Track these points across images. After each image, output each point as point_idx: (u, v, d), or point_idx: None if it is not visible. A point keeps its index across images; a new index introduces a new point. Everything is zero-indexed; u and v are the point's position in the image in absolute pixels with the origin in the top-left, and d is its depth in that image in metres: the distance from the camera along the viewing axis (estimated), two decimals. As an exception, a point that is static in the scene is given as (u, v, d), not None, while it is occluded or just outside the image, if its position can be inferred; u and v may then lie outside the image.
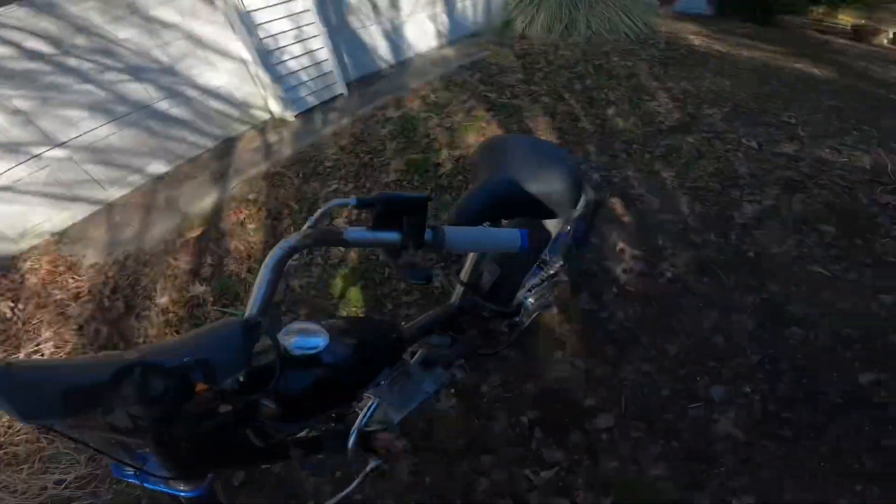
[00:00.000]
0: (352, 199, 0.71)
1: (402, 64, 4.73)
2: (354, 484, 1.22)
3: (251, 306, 0.64)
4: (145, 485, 0.70)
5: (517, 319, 1.46)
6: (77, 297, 2.20)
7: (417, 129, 3.20)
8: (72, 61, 2.58)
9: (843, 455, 1.44)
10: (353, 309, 1.96)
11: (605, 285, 2.01)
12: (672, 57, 4.75)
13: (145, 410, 0.50)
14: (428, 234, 0.73)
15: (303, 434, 0.99)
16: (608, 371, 1.69)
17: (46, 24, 2.45)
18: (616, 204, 2.47)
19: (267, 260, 0.65)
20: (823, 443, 1.48)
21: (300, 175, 2.82)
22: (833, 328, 1.79)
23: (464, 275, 1.22)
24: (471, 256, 1.22)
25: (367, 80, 4.32)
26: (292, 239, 0.66)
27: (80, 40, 2.59)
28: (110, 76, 2.73)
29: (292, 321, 0.75)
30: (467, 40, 5.48)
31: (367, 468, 1.18)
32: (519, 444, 1.53)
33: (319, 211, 0.71)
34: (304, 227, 0.69)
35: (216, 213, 2.59)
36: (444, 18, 5.19)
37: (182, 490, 0.69)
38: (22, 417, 0.47)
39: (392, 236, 0.71)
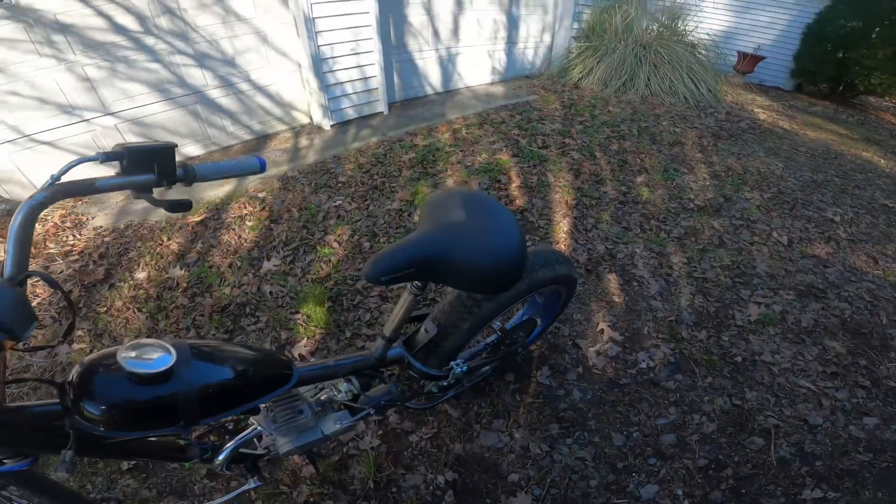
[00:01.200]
0: (98, 155, 0.71)
1: (449, 93, 4.83)
2: (227, 497, 1.21)
3: (7, 266, 0.63)
4: None
5: (445, 384, 1.41)
6: (67, 254, 2.34)
7: (438, 161, 3.23)
8: (150, 40, 2.84)
9: None
10: (313, 326, 1.97)
11: (572, 363, 1.91)
12: (728, 129, 4.59)
13: None
14: (179, 172, 0.77)
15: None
16: (543, 450, 1.59)
17: (140, 1, 2.72)
18: (612, 281, 2.36)
19: (15, 216, 0.64)
20: None
21: (312, 184, 2.91)
22: (798, 443, 1.62)
23: (387, 330, 1.17)
24: (396, 312, 1.15)
25: (410, 103, 4.44)
26: (40, 194, 0.65)
27: (163, 21, 2.86)
28: (177, 58, 2.98)
29: (137, 339, 0.77)
30: (520, 81, 5.53)
31: (244, 487, 1.17)
32: (427, 503, 1.46)
33: (64, 167, 0.69)
34: (46, 182, 0.68)
35: (224, 203, 2.71)
36: (501, 56, 5.29)
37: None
38: None
39: (145, 178, 0.74)
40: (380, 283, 0.93)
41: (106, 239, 2.47)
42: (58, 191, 0.67)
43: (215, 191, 2.85)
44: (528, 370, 1.85)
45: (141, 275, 2.23)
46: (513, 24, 5.15)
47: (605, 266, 2.45)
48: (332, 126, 3.77)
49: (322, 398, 1.19)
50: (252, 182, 2.94)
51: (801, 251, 2.66)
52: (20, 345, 0.62)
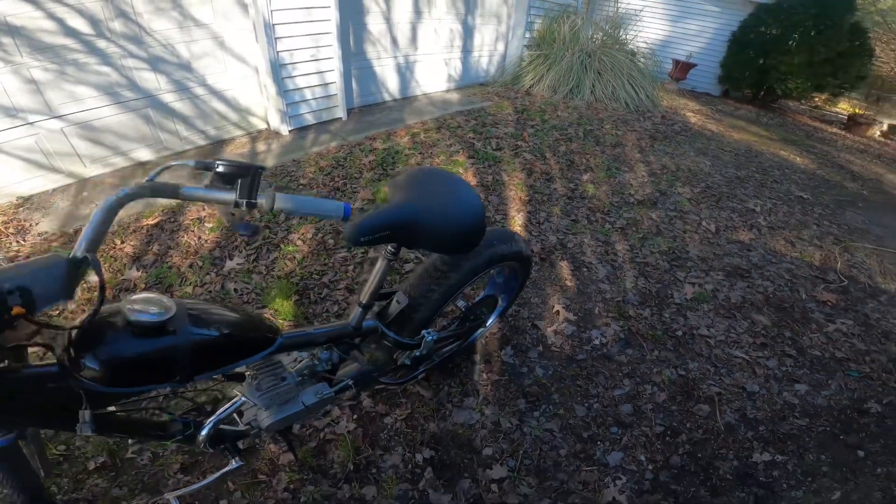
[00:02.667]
0: (191, 161, 0.78)
1: (407, 100, 4.94)
2: (207, 481, 1.21)
3: (79, 245, 0.68)
4: None
5: (417, 354, 1.49)
6: (12, 259, 2.24)
7: (398, 163, 3.32)
8: (101, 43, 2.75)
9: None
10: (281, 321, 1.99)
11: (532, 342, 2.05)
12: (663, 132, 4.96)
13: None
14: (259, 196, 0.81)
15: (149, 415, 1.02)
16: (513, 424, 1.70)
17: (93, 4, 2.64)
18: (564, 267, 2.53)
19: (102, 202, 0.70)
20: None
21: (272, 187, 2.91)
22: (740, 409, 1.83)
23: (363, 296, 1.24)
24: (371, 279, 1.23)
25: (369, 109, 4.51)
26: (128, 188, 0.71)
27: (117, 25, 2.78)
28: (130, 62, 2.90)
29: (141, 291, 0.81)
30: (475, 88, 5.73)
31: (226, 469, 1.18)
32: (407, 480, 1.53)
33: (160, 168, 0.77)
34: (144, 179, 0.74)
35: (181, 206, 2.67)
36: (457, 63, 5.45)
37: None
38: None
39: (227, 195, 0.78)
40: (359, 245, 1.01)
41: (54, 244, 2.37)
42: (145, 188, 0.72)
43: (170, 195, 2.80)
44: (492, 350, 1.97)
45: (93, 278, 2.16)
46: (468, 33, 5.34)
47: (558, 254, 2.63)
48: (290, 131, 3.77)
49: (303, 369, 1.24)
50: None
51: (728, 237, 2.97)
52: (34, 316, 0.63)
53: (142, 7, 2.84)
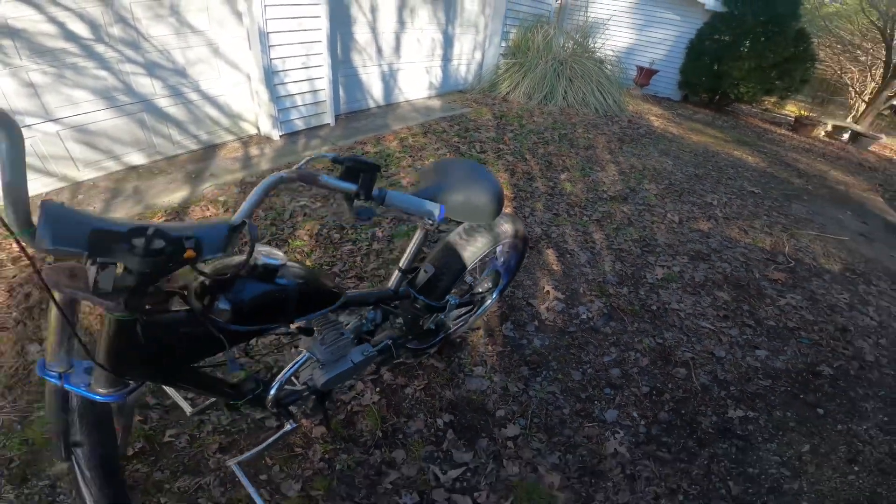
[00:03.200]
0: (329, 154, 0.98)
1: (390, 106, 5.13)
2: (266, 443, 1.36)
3: (239, 213, 0.83)
4: (66, 386, 0.85)
5: (442, 317, 1.70)
6: (15, 260, 2.31)
7: (390, 165, 3.52)
8: (100, 47, 2.83)
9: (711, 478, 1.69)
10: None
11: (529, 318, 2.29)
12: (630, 135, 5.35)
13: (145, 262, 0.68)
14: (375, 191, 0.99)
15: (235, 379, 1.18)
16: (520, 388, 1.93)
17: (93, 9, 2.72)
18: (550, 254, 2.80)
19: (262, 182, 0.85)
20: (695, 466, 1.72)
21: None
22: (711, 371, 2.11)
23: (403, 262, 1.46)
24: (410, 248, 1.45)
25: (355, 115, 4.68)
26: (283, 172, 0.87)
27: (116, 30, 2.86)
28: (127, 67, 2.97)
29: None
30: (455, 95, 5.98)
31: (282, 430, 1.35)
32: (431, 443, 1.72)
33: (306, 158, 0.96)
34: (294, 167, 0.91)
35: (182, 207, 2.77)
36: (437, 72, 5.68)
37: (98, 395, 0.86)
38: (52, 242, 0.61)
39: (351, 186, 0.96)
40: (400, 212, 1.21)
41: None
42: (294, 174, 0.88)
43: (170, 196, 2.89)
44: (494, 326, 2.20)
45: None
46: (448, 42, 5.60)
47: (544, 243, 2.89)
48: (280, 136, 3.89)
49: (351, 329, 1.42)
50: (207, 187, 3.02)
51: (690, 227, 3.32)
52: (197, 263, 0.77)
53: (141, 13, 2.93)
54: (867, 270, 3.22)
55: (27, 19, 2.55)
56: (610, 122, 5.67)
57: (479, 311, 2.05)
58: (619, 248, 2.96)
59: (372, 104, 4.94)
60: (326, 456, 1.64)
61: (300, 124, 4.01)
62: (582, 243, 2.96)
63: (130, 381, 0.90)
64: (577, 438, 1.77)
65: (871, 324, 2.64)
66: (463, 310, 1.92)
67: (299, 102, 3.89)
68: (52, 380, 0.84)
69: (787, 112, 10.57)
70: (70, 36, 2.71)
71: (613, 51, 7.79)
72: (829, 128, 8.76)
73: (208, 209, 2.77)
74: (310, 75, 3.84)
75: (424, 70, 5.44)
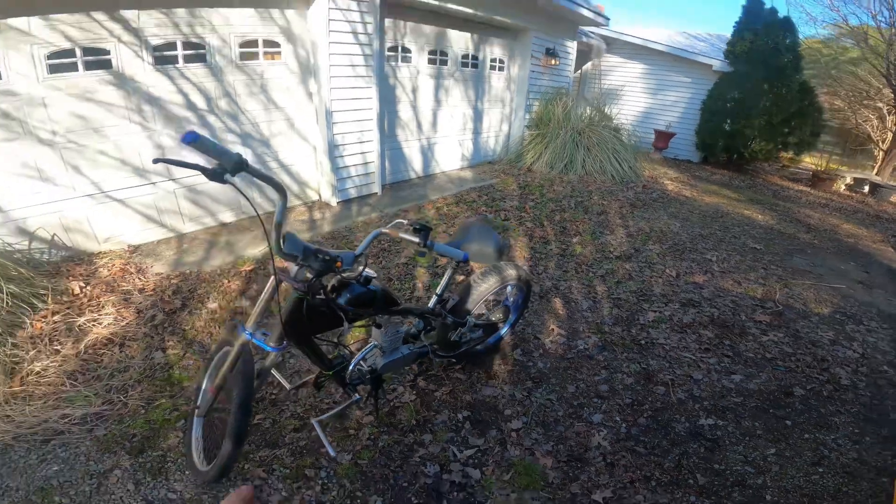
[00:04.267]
0: (404, 221, 1.70)
1: (429, 177, 5.99)
2: (339, 407, 2.00)
3: (359, 248, 1.56)
4: (253, 340, 1.52)
5: (463, 330, 2.29)
6: (141, 290, 3.07)
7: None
8: (211, 118, 3.75)
9: (682, 470, 2.06)
10: (357, 333, 2.79)
11: (535, 347, 2.82)
12: (642, 199, 5.92)
13: (319, 266, 1.37)
14: (428, 242, 1.68)
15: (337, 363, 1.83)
16: (524, 395, 2.43)
17: (209, 84, 3.67)
18: (557, 302, 3.35)
19: (372, 233, 1.63)
20: (667, 460, 2.12)
21: (334, 247, 3.81)
22: (688, 390, 2.54)
23: (438, 290, 2.14)
24: (444, 280, 2.13)
25: (398, 185, 5.54)
26: (381, 229, 1.66)
27: (223, 103, 3.80)
28: (228, 136, 3.88)
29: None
30: (485, 165, 6.80)
31: (350, 400, 1.97)
32: (452, 430, 2.22)
33: (394, 223, 1.73)
34: (387, 227, 1.66)
35: (265, 258, 3.53)
36: (469, 145, 6.55)
37: (269, 346, 1.53)
38: (288, 250, 1.36)
39: (415, 238, 1.66)
40: (436, 254, 1.87)
41: (173, 280, 3.20)
42: (387, 231, 1.67)
43: (253, 249, 3.68)
44: (507, 352, 2.74)
45: (213, 305, 2.98)
46: (478, 116, 6.50)
47: (552, 294, 3.45)
48: (337, 203, 4.74)
49: (403, 331, 2.06)
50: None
51: (686, 280, 3.79)
52: (342, 270, 1.47)
53: (241, 89, 3.88)
54: (859, 313, 3.54)
55: (163, 88, 3.47)
56: (625, 188, 6.27)
57: (494, 337, 2.62)
58: (618, 298, 3.47)
59: (413, 175, 5.81)
60: (372, 436, 2.16)
61: (353, 192, 4.86)
62: (585, 294, 3.50)
63: (284, 342, 1.57)
64: (568, 433, 2.24)
65: (853, 356, 2.95)
66: (480, 332, 2.50)
67: (353, 173, 4.75)
68: (247, 335, 1.51)
69: (807, 166, 10.30)
70: (191, 106, 3.62)
71: (630, 117, 8.16)
72: (850, 180, 8.60)
73: (283, 263, 3.53)
74: (362, 149, 4.72)
75: (458, 143, 6.33)
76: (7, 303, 2.56)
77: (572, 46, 7.92)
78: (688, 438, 2.25)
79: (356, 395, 1.97)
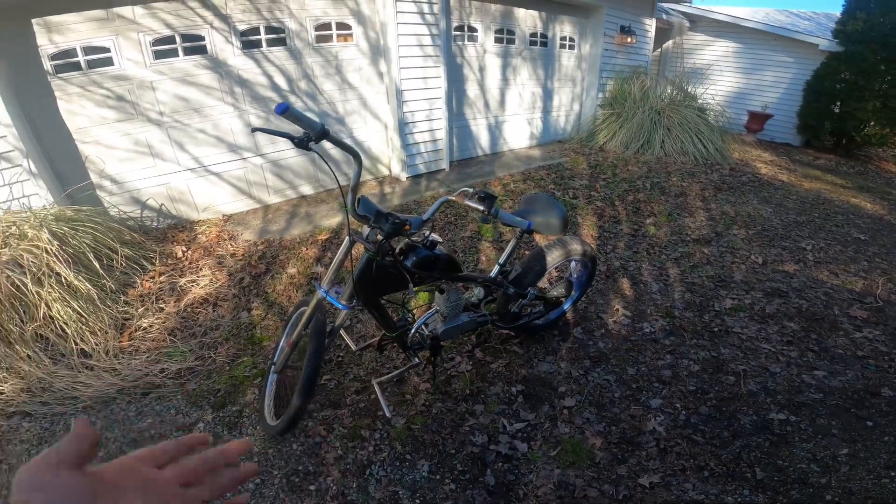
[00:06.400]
0: (470, 189, 1.73)
1: (496, 155, 5.97)
2: (399, 371, 2.13)
3: (426, 214, 1.62)
4: (328, 297, 1.65)
5: (523, 302, 2.30)
6: (232, 255, 3.39)
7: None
8: (292, 97, 4.04)
9: (740, 463, 1.97)
10: (422, 304, 2.90)
11: (597, 327, 2.76)
12: (729, 182, 5.48)
13: (389, 228, 1.47)
14: (493, 210, 1.71)
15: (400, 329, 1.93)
16: (581, 373, 2.41)
17: (289, 66, 3.95)
18: (625, 283, 3.24)
19: (439, 199, 1.70)
20: (726, 451, 2.02)
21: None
22: (761, 382, 2.38)
23: (501, 259, 2.16)
24: (507, 250, 2.15)
25: (465, 162, 5.58)
26: (447, 196, 1.71)
27: (303, 84, 4.07)
28: (308, 115, 4.15)
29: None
30: (554, 145, 6.64)
31: (410, 364, 2.07)
32: (505, 403, 2.27)
33: (459, 190, 1.76)
34: (453, 194, 1.70)
35: (339, 228, 3.76)
36: (538, 123, 6.44)
37: (342, 304, 1.66)
38: (362, 211, 1.49)
39: (481, 206, 1.69)
40: (500, 223, 1.90)
41: (259, 247, 3.51)
42: (454, 197, 1.73)
43: (329, 220, 3.91)
44: (567, 329, 2.72)
45: (292, 270, 3.23)
46: (548, 95, 6.36)
47: (619, 274, 3.33)
48: (407, 178, 4.88)
49: (465, 298, 2.12)
50: (356, 217, 4.01)
51: (773, 269, 3.47)
52: (410, 234, 1.56)
53: (318, 71, 4.11)
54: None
55: (251, 71, 3.79)
56: (710, 170, 5.83)
57: (555, 312, 2.60)
58: (692, 282, 3.27)
59: (480, 153, 5.82)
60: (427, 403, 2.27)
61: (422, 168, 4.98)
62: (656, 276, 3.34)
63: (354, 301, 1.70)
64: (622, 415, 2.20)
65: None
66: (540, 306, 2.50)
67: (423, 150, 4.86)
68: (322, 293, 1.66)
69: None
70: (275, 87, 3.92)
71: (718, 97, 7.75)
72: None
73: (357, 224, 3.73)
74: (431, 126, 4.81)
75: (526, 122, 6.23)
76: (121, 264, 2.97)
77: (650, 24, 7.53)
78: (752, 431, 2.12)
79: (416, 359, 2.07)
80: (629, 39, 6.88)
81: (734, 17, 8.66)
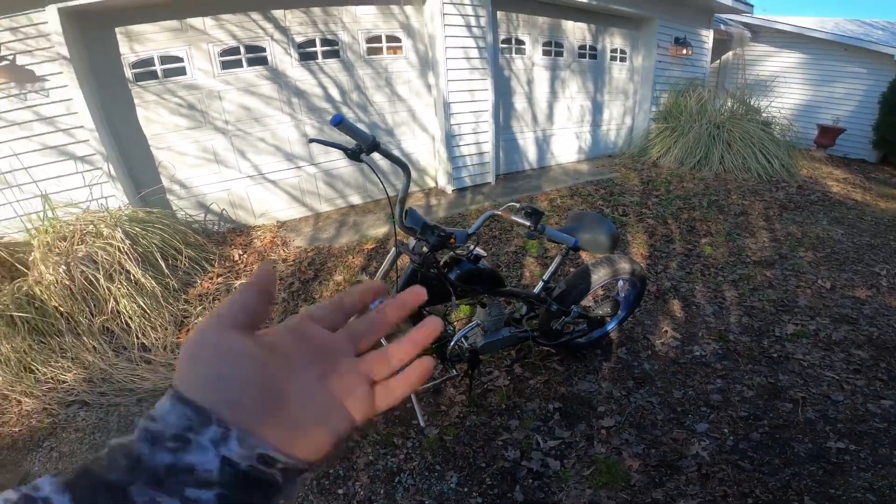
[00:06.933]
0: (517, 203, 1.74)
1: (543, 169, 5.91)
2: (437, 381, 2.12)
3: (471, 228, 1.64)
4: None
5: (567, 320, 2.25)
6: (284, 261, 3.54)
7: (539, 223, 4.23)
8: (344, 109, 4.20)
9: (788, 491, 1.83)
10: (462, 316, 2.91)
11: (643, 348, 2.66)
12: (796, 201, 5.13)
13: (434, 240, 1.50)
14: (540, 226, 1.71)
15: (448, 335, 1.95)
16: (623, 394, 2.33)
17: (342, 77, 4.11)
18: (675, 304, 3.10)
19: (484, 214, 1.70)
20: (775, 479, 1.88)
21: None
22: (821, 410, 2.20)
23: (546, 276, 2.14)
24: (552, 266, 2.12)
25: (512, 176, 5.57)
26: (493, 210, 1.70)
27: (354, 95, 4.23)
28: (359, 125, 4.29)
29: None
30: (604, 159, 6.49)
31: (448, 375, 2.08)
32: (540, 420, 2.22)
33: (506, 205, 1.81)
34: (500, 208, 1.71)
35: (385, 239, 3.85)
36: (587, 137, 6.33)
37: None
38: (409, 223, 1.51)
39: (528, 222, 1.69)
40: (546, 239, 1.88)
41: (309, 253, 3.66)
42: (500, 212, 1.74)
43: (376, 230, 4.02)
44: (611, 349, 2.63)
45: (338, 277, 3.34)
46: (597, 109, 6.24)
47: (670, 295, 3.19)
48: (453, 191, 4.94)
49: (507, 312, 2.12)
50: (401, 226, 4.11)
51: (842, 294, 3.21)
52: (455, 247, 1.59)
53: (369, 83, 4.25)
54: None
55: (307, 82, 3.97)
56: (774, 187, 5.49)
57: (599, 332, 2.54)
58: (751, 306, 3.08)
59: (527, 166, 5.79)
60: (461, 415, 2.26)
61: (468, 181, 5.01)
62: (710, 298, 3.18)
63: None
64: (663, 438, 2.09)
65: None
66: (584, 325, 2.44)
67: (468, 163, 4.90)
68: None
69: None
70: (328, 98, 4.08)
71: (784, 110, 7.35)
72: None
73: (403, 236, 3.82)
74: (477, 139, 4.84)
75: (575, 135, 6.14)
76: (185, 264, 3.19)
77: (707, 35, 7.27)
78: (807, 460, 1.96)
79: (453, 371, 2.08)
80: (684, 51, 6.65)
81: (800, 27, 8.19)
